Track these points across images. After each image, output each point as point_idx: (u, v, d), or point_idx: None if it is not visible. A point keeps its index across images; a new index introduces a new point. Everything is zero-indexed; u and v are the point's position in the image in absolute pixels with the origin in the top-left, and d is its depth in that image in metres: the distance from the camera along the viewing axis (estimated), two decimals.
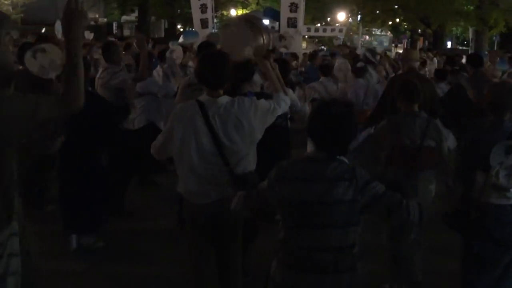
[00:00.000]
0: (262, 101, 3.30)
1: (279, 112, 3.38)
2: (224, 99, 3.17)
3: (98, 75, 5.57)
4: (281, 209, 2.48)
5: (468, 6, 19.89)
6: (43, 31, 10.51)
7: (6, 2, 25.07)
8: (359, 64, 7.02)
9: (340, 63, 6.69)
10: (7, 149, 2.22)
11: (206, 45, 5.30)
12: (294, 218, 2.42)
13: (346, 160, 2.39)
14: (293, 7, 10.07)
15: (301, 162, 2.48)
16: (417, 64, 6.54)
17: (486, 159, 2.99)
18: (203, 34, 11.11)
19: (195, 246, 3.43)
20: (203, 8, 11.28)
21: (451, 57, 11.07)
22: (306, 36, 19.26)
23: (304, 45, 11.58)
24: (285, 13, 9.69)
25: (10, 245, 2.23)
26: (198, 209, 3.26)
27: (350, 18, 32.06)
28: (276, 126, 3.59)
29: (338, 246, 2.36)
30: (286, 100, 3.46)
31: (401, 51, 20.90)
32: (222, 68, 3.19)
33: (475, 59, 6.92)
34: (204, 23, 11.32)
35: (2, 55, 2.24)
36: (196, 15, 11.48)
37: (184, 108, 3.24)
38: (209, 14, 11.47)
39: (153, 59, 7.03)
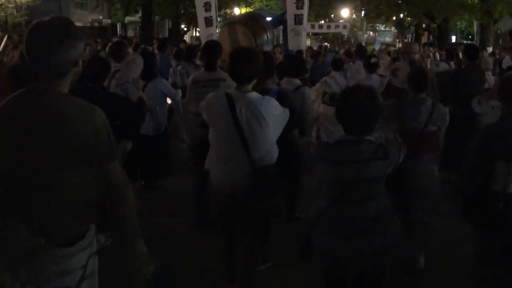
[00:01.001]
0: (286, 109, 3.44)
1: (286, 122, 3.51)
2: (253, 95, 3.28)
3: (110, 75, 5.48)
4: (323, 185, 2.82)
5: (473, 0, 19.88)
6: None
7: (10, 5, 25.55)
8: (373, 60, 7.15)
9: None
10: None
11: (212, 44, 5.38)
12: (336, 194, 2.69)
13: (373, 139, 2.67)
14: (299, 4, 10.05)
15: (336, 146, 2.76)
16: (417, 56, 6.69)
17: (506, 149, 3.14)
18: (207, 33, 11.19)
19: (222, 233, 3.63)
20: (207, 7, 11.33)
21: (449, 50, 11.13)
22: (310, 33, 19.30)
23: (308, 42, 11.65)
24: (291, 10, 9.68)
25: (93, 264, 2.27)
26: (221, 195, 3.42)
27: (354, 14, 32.12)
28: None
29: (374, 214, 2.69)
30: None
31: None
32: (251, 64, 3.31)
33: (471, 51, 6.98)
34: (208, 22, 11.38)
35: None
36: (200, 14, 11.53)
37: (212, 100, 3.36)
38: (213, 13, 11.54)
39: (157, 60, 6.93)
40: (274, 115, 3.30)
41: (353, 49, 11.25)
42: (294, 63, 5.64)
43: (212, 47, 5.25)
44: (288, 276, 4.12)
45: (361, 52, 8.81)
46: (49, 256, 2.06)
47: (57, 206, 2.06)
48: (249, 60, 3.34)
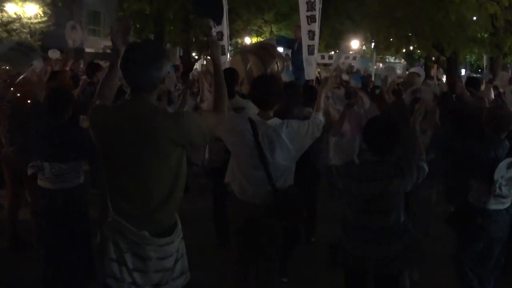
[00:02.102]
0: (306, 124, 3.50)
1: (317, 135, 3.56)
2: (274, 122, 3.39)
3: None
4: (346, 198, 3.23)
5: (482, 34, 19.85)
6: (59, 57, 10.91)
7: (24, 30, 25.81)
8: (378, 91, 7.47)
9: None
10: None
11: (229, 71, 5.49)
12: (359, 207, 3.12)
13: (393, 161, 3.12)
14: (311, 34, 10.14)
15: (363, 165, 3.21)
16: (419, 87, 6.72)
17: (483, 170, 3.60)
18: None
19: (237, 251, 3.65)
20: (219, 36, 11.53)
21: (451, 83, 11.20)
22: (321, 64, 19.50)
23: (317, 71, 11.79)
24: (305, 41, 9.79)
25: (182, 247, 2.68)
26: (242, 205, 3.52)
27: (364, 46, 32.20)
28: None
29: (393, 225, 3.09)
30: (322, 123, 3.60)
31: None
32: (272, 91, 3.46)
33: (473, 82, 7.23)
34: (221, 50, 11.61)
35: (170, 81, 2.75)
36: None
37: (234, 122, 3.44)
38: (225, 42, 11.73)
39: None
40: (299, 135, 3.40)
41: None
42: (307, 92, 5.74)
43: (230, 74, 5.30)
44: None
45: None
46: (152, 245, 2.44)
47: (156, 204, 2.45)
48: (272, 87, 3.46)
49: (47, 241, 4.09)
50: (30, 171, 4.26)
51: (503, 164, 3.47)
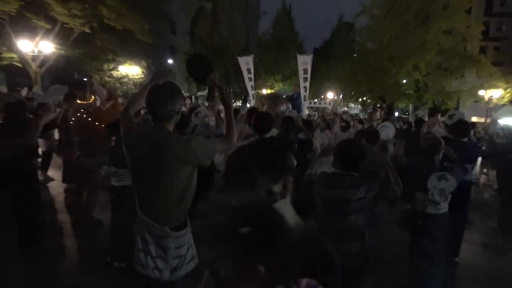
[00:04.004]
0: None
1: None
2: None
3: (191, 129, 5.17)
4: (318, 201, 2.64)
5: (410, 91, 19.59)
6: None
7: (130, 82, 24.54)
8: (344, 124, 7.53)
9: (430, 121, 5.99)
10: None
11: (253, 109, 5.48)
12: (326, 208, 2.57)
13: (356, 175, 2.53)
14: (304, 89, 10.71)
15: (332, 175, 2.61)
16: (376, 122, 6.86)
17: (423, 183, 3.04)
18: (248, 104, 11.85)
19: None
20: (251, 88, 12.30)
21: (416, 122, 9.58)
22: (307, 106, 19.73)
23: (306, 111, 12.14)
24: (302, 92, 10.07)
25: (191, 238, 2.21)
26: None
27: (335, 96, 31.30)
28: None
29: (350, 226, 2.47)
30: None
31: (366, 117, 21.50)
32: (265, 122, 3.22)
33: (419, 122, 6.74)
34: (251, 98, 12.48)
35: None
36: (250, 94, 12.55)
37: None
38: (252, 92, 12.60)
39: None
40: (281, 155, 2.89)
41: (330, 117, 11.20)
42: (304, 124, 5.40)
43: (254, 111, 4.91)
44: None
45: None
46: (172, 238, 2.07)
47: (170, 208, 2.07)
48: (265, 120, 3.25)
49: (114, 219, 3.68)
50: (103, 173, 4.02)
51: (433, 176, 2.97)
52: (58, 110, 4.35)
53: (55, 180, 6.49)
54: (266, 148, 1.03)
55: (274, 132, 3.25)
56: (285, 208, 0.99)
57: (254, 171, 0.97)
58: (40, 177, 6.26)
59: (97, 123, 4.46)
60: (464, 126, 4.16)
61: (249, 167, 0.98)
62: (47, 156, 6.64)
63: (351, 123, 8.95)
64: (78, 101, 5.05)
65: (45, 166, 6.58)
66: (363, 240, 2.50)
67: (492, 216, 5.94)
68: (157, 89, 2.00)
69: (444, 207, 3.10)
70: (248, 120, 4.98)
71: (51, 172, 6.68)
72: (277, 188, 1.00)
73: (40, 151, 6.73)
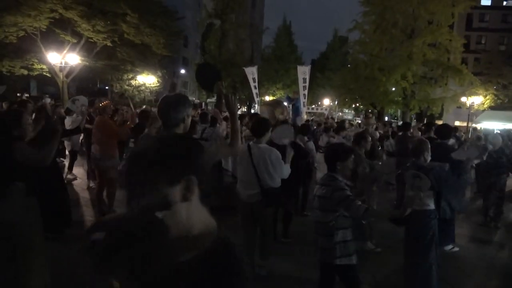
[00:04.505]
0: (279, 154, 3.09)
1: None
2: (262, 146, 3.08)
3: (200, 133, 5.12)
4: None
5: (398, 98, 19.14)
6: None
7: (147, 90, 24.55)
8: (336, 127, 7.25)
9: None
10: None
11: (254, 114, 5.73)
12: (316, 204, 2.45)
13: (333, 175, 2.39)
14: (303, 96, 10.70)
15: (323, 177, 2.49)
16: (373, 126, 6.73)
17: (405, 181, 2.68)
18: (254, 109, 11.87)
19: (243, 224, 3.21)
20: (256, 95, 12.38)
21: (384, 124, 11.30)
22: (305, 112, 19.74)
23: (305, 117, 12.17)
24: (301, 99, 10.06)
25: None
26: (242, 201, 3.15)
27: (331, 102, 30.89)
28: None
29: (327, 222, 2.34)
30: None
31: (359, 121, 21.42)
32: (263, 127, 3.13)
33: (405, 126, 6.62)
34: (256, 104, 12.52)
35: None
36: (256, 100, 12.63)
37: (241, 148, 3.09)
38: (257, 99, 12.67)
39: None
40: (275, 159, 3.03)
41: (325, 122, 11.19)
42: (301, 127, 5.58)
43: (255, 117, 5.24)
44: (304, 249, 3.81)
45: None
46: None
47: None
48: (263, 124, 3.17)
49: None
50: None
51: (408, 174, 2.63)
52: (80, 117, 4.31)
53: (79, 178, 6.47)
54: (162, 147, 0.81)
55: (267, 136, 3.16)
56: (189, 212, 0.79)
57: (143, 172, 0.76)
58: (70, 176, 6.31)
59: (103, 129, 4.46)
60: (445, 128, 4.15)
61: (140, 168, 0.77)
62: (72, 156, 6.61)
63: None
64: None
65: (70, 166, 6.53)
66: (340, 238, 2.32)
67: (476, 213, 5.78)
68: (164, 100, 2.00)
69: (427, 205, 2.91)
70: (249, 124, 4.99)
71: (75, 171, 6.68)
72: (176, 190, 0.76)
73: (66, 151, 6.98)
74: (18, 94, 19.33)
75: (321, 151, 6.73)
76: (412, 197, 2.25)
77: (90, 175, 5.93)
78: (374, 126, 6.41)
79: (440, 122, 18.91)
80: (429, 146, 3.07)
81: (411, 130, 5.41)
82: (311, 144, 4.79)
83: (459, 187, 3.00)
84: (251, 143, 3.13)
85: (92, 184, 5.83)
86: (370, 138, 3.84)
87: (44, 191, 2.51)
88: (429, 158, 3.02)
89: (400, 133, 6.58)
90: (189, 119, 2.00)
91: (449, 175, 2.95)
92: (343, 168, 2.38)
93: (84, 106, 4.07)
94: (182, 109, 1.94)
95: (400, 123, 17.47)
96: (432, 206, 2.97)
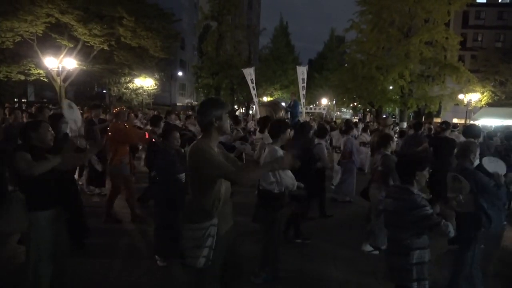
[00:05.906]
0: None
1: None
2: (273, 148, 3.07)
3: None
4: None
5: (396, 96, 19.05)
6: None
7: (144, 93, 24.69)
8: (345, 127, 7.09)
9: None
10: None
11: (265, 117, 5.61)
12: None
13: (407, 187, 2.10)
14: (302, 96, 10.76)
15: None
16: (391, 126, 6.30)
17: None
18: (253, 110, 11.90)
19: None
20: (255, 96, 12.27)
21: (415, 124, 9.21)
22: (305, 111, 19.71)
23: (305, 117, 12.11)
24: (300, 99, 10.14)
25: (210, 231, 1.93)
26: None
27: (329, 102, 31.21)
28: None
29: (392, 238, 2.15)
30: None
31: (356, 120, 21.09)
32: (278, 129, 3.09)
33: (417, 125, 6.35)
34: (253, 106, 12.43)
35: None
36: (254, 101, 12.50)
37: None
38: (256, 99, 12.59)
39: None
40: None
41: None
42: (300, 126, 5.09)
43: (266, 119, 5.34)
44: (317, 245, 3.95)
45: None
46: (189, 230, 1.96)
47: (195, 204, 1.99)
48: (278, 126, 3.12)
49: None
50: (153, 174, 3.75)
51: (449, 176, 2.52)
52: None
53: (98, 189, 5.98)
54: None
55: (284, 138, 3.12)
56: None
57: None
58: (88, 190, 5.92)
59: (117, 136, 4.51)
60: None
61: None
62: (91, 168, 5.79)
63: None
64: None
65: (89, 178, 5.99)
66: None
67: None
68: (203, 102, 2.04)
69: (468, 208, 2.61)
70: (262, 125, 5.13)
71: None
72: None
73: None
74: (15, 100, 19.28)
75: (337, 151, 6.74)
76: (451, 199, 2.11)
77: (91, 181, 5.87)
78: (391, 127, 6.41)
79: (438, 120, 19.08)
80: (477, 148, 2.86)
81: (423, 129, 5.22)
82: (320, 148, 4.55)
83: (497, 197, 2.64)
84: (268, 145, 3.10)
85: (98, 190, 5.79)
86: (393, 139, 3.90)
87: (63, 204, 2.54)
88: (476, 161, 2.80)
89: (412, 133, 6.42)
90: (221, 121, 1.96)
91: (489, 183, 2.67)
92: (420, 179, 2.08)
93: (76, 125, 4.06)
94: (208, 111, 1.93)
95: (401, 122, 17.58)
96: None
